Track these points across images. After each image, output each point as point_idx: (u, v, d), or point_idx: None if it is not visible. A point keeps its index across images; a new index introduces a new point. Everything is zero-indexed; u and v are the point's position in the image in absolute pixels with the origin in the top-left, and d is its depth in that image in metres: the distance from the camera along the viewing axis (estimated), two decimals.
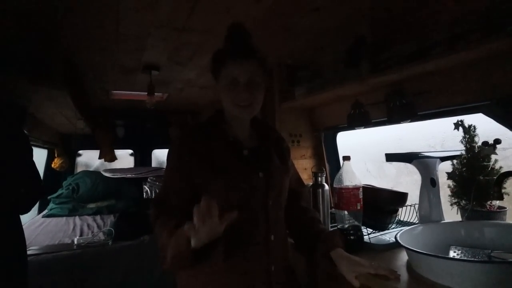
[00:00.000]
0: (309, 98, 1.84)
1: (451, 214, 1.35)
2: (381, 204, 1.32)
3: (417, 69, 1.23)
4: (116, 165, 3.74)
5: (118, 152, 3.79)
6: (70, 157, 3.69)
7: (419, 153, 1.41)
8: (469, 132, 1.32)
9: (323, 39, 1.68)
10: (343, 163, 1.23)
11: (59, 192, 3.31)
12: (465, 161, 1.32)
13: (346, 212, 1.20)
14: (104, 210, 3.16)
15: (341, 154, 2.14)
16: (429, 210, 1.32)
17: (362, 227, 1.24)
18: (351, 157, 1.23)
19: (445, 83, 1.29)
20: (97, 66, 2.08)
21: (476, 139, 1.31)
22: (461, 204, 1.31)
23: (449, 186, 1.36)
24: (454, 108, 1.33)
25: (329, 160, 2.18)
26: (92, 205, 3.21)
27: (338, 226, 1.23)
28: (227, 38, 0.97)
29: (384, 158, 1.46)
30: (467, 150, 1.32)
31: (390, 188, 1.50)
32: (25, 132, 1.55)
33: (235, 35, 0.96)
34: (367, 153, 2.21)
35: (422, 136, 1.83)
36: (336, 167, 2.13)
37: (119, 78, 2.37)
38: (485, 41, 0.98)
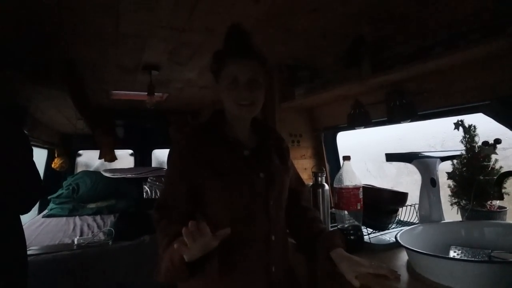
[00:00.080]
0: (309, 98, 1.84)
1: (451, 214, 1.34)
2: (381, 204, 1.32)
3: (417, 69, 1.23)
4: (116, 165, 3.74)
5: (118, 152, 3.78)
6: (70, 157, 3.69)
7: (419, 153, 1.41)
8: (469, 132, 1.32)
9: (323, 39, 1.68)
10: (343, 163, 1.23)
11: (59, 192, 3.31)
12: (465, 161, 1.32)
13: (346, 212, 1.20)
14: (104, 210, 3.16)
15: (341, 154, 2.14)
16: (429, 210, 1.32)
17: (362, 227, 1.24)
18: (351, 157, 1.23)
19: (445, 83, 1.29)
20: (97, 66, 2.08)
21: (476, 139, 1.31)
22: (461, 204, 1.31)
23: (449, 186, 1.36)
24: (454, 108, 1.33)
25: (329, 160, 2.18)
26: (92, 205, 3.21)
27: (338, 226, 1.23)
28: (227, 38, 0.97)
29: (384, 158, 1.46)
30: (467, 150, 1.32)
31: (390, 188, 1.50)
32: (25, 132, 1.55)
33: (235, 35, 0.96)
34: (367, 153, 2.21)
35: (422, 136, 1.83)
36: (336, 167, 2.13)
37: (119, 78, 2.36)
38: (485, 41, 0.98)
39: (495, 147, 1.25)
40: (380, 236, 1.30)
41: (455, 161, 1.35)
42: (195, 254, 0.76)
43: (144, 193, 3.37)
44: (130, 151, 4.12)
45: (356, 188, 1.18)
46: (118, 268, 2.04)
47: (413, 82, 1.37)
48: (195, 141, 0.95)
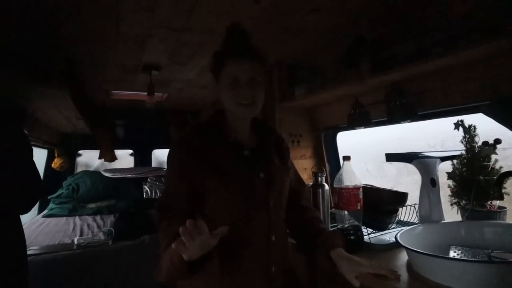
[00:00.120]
0: (309, 98, 1.84)
1: (451, 214, 1.34)
2: (381, 204, 1.32)
3: (417, 69, 1.23)
4: (116, 165, 3.75)
5: (118, 152, 3.79)
6: (70, 157, 3.69)
7: (419, 153, 1.41)
8: (469, 132, 1.32)
9: (323, 39, 1.68)
10: (343, 163, 1.23)
11: (59, 192, 3.31)
12: (465, 161, 1.32)
13: (346, 212, 1.20)
14: (104, 210, 3.16)
15: (341, 154, 2.14)
16: (429, 210, 1.32)
17: (362, 227, 1.24)
18: (351, 157, 1.23)
19: (445, 83, 1.29)
20: (97, 66, 2.08)
21: (476, 139, 1.31)
22: (461, 204, 1.31)
23: (449, 186, 1.36)
24: (454, 108, 1.33)
25: (329, 160, 2.18)
26: (92, 205, 3.21)
27: (338, 226, 1.23)
28: (227, 38, 0.97)
29: (384, 158, 1.46)
30: (467, 150, 1.32)
31: (390, 188, 1.50)
32: (25, 132, 1.55)
33: (235, 34, 0.96)
34: (367, 153, 2.21)
35: (422, 136, 1.83)
36: (336, 167, 2.13)
37: (119, 78, 2.37)
38: (485, 41, 0.98)
39: (495, 147, 1.25)
40: (380, 236, 1.30)
41: (455, 161, 1.35)
42: (195, 253, 0.76)
43: (144, 193, 3.38)
44: (130, 151, 4.12)
45: (356, 188, 1.18)
46: (118, 268, 2.04)
47: (413, 82, 1.36)
48: (195, 141, 0.95)
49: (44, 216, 3.05)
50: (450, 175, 1.36)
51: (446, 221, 1.31)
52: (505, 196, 1.13)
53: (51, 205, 3.23)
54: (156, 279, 0.85)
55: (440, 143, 1.70)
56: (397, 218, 1.38)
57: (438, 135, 1.70)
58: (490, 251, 0.98)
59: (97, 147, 3.60)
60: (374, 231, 1.31)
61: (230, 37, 0.96)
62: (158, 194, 3.25)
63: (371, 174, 2.20)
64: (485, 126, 1.28)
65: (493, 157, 1.27)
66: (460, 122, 1.33)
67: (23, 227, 1.45)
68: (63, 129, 3.39)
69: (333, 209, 1.31)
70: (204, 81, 2.48)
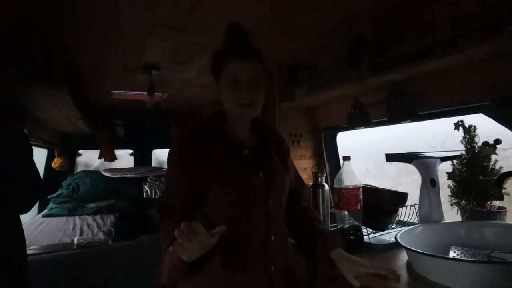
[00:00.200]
0: (309, 98, 1.84)
1: (451, 214, 1.34)
2: (381, 204, 1.32)
3: (417, 69, 1.23)
4: (116, 165, 3.75)
5: (118, 152, 3.79)
6: (70, 157, 3.68)
7: (419, 153, 1.41)
8: (469, 132, 1.32)
9: (323, 39, 1.68)
10: (343, 163, 1.23)
11: (59, 191, 3.31)
12: (465, 161, 1.32)
13: (346, 212, 1.20)
14: (104, 210, 3.16)
15: (341, 154, 2.14)
16: (429, 210, 1.32)
17: (362, 227, 1.24)
18: (351, 157, 1.23)
19: (445, 83, 1.29)
20: (97, 66, 2.08)
21: (476, 139, 1.31)
22: (461, 204, 1.31)
23: (449, 186, 1.36)
24: (454, 108, 1.33)
25: (329, 160, 2.18)
26: (92, 205, 3.21)
27: (338, 226, 1.23)
28: (226, 38, 0.97)
29: (384, 158, 1.46)
30: (467, 150, 1.32)
31: (390, 188, 1.50)
32: (25, 132, 1.55)
33: (234, 34, 0.96)
34: (367, 153, 2.21)
35: (422, 136, 1.83)
36: (336, 167, 2.13)
37: (119, 78, 2.36)
38: (485, 41, 0.98)
39: (495, 148, 1.25)
40: (380, 236, 1.30)
41: (455, 161, 1.35)
42: (194, 254, 0.76)
43: (144, 193, 3.37)
44: (130, 151, 4.12)
45: (356, 188, 1.18)
46: (118, 268, 2.04)
47: (413, 82, 1.36)
48: (195, 141, 0.95)
49: (44, 216, 3.05)
50: (450, 175, 1.36)
51: (446, 221, 1.31)
52: (505, 196, 1.13)
53: (51, 205, 3.23)
54: (159, 280, 0.85)
55: (440, 143, 1.70)
56: (397, 218, 1.38)
57: (438, 135, 1.70)
58: (490, 251, 0.98)
59: (97, 146, 3.60)
60: (374, 231, 1.31)
61: (230, 37, 0.96)
62: (158, 194, 3.25)
63: (371, 174, 2.21)
64: (485, 126, 1.28)
65: (493, 157, 1.27)
66: (460, 122, 1.33)
67: (23, 226, 1.44)
68: (63, 129, 3.39)
69: (333, 209, 1.31)
70: (204, 81, 2.47)
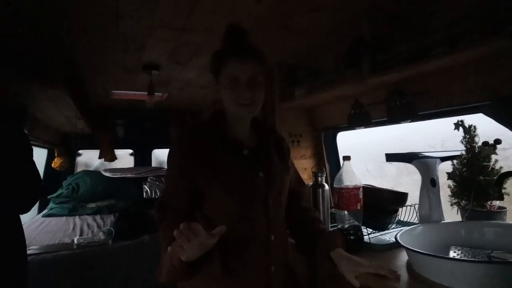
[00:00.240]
0: (309, 98, 1.84)
1: (451, 214, 1.34)
2: (381, 204, 1.32)
3: (417, 69, 1.23)
4: (116, 165, 3.75)
5: (118, 152, 3.79)
6: (70, 157, 3.69)
7: (419, 153, 1.41)
8: (469, 132, 1.32)
9: (323, 39, 1.68)
10: (343, 163, 1.23)
11: (59, 191, 3.31)
12: (465, 161, 1.32)
13: (346, 212, 1.20)
14: (104, 210, 3.16)
15: (341, 154, 2.14)
16: (429, 210, 1.32)
17: (362, 227, 1.24)
18: (351, 157, 1.23)
19: (445, 83, 1.29)
20: (97, 66, 2.08)
21: (476, 139, 1.31)
22: (461, 204, 1.31)
23: (449, 186, 1.36)
24: (454, 108, 1.32)
25: (329, 160, 2.18)
26: (92, 205, 3.21)
27: (338, 226, 1.23)
28: (226, 37, 0.97)
29: (384, 158, 1.46)
30: (467, 150, 1.32)
31: (390, 188, 1.50)
32: (25, 131, 1.55)
33: (234, 34, 0.96)
34: (367, 153, 2.21)
35: (422, 136, 1.83)
36: (336, 167, 2.13)
37: (119, 78, 2.37)
38: (485, 41, 0.98)
39: (495, 148, 1.25)
40: (380, 236, 1.30)
41: (455, 161, 1.35)
42: (194, 254, 0.76)
43: (144, 193, 3.37)
44: (130, 151, 4.12)
45: (356, 188, 1.18)
46: (118, 268, 2.04)
47: (413, 82, 1.36)
48: (195, 141, 0.95)
49: (44, 216, 3.05)
50: (450, 175, 1.36)
51: (446, 221, 1.31)
52: (505, 196, 1.13)
53: (51, 205, 3.23)
54: (158, 280, 0.85)
55: (440, 143, 1.70)
56: (397, 218, 1.38)
57: (438, 135, 1.70)
58: (490, 251, 0.98)
59: (97, 146, 3.60)
60: (374, 231, 1.31)
61: (230, 37, 0.96)
62: (158, 194, 3.25)
63: (371, 174, 2.20)
64: (485, 126, 1.28)
65: (493, 157, 1.27)
66: (460, 122, 1.33)
67: (23, 226, 1.44)
68: (63, 129, 3.39)
69: (333, 209, 1.31)
70: (204, 81, 2.48)
